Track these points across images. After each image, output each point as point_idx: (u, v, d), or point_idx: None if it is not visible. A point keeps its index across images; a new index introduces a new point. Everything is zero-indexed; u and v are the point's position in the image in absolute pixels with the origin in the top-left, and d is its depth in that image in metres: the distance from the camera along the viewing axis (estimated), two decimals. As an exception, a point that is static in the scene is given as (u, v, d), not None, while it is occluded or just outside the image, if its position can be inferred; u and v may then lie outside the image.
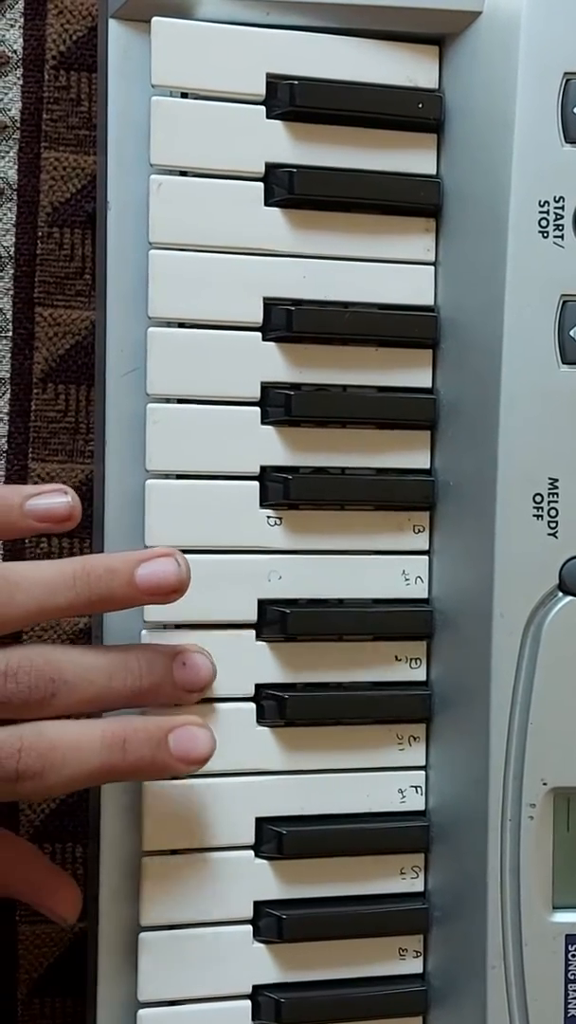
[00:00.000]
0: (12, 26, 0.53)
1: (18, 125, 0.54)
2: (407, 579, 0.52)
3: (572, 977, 0.49)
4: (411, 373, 0.52)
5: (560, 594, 0.49)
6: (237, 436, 0.50)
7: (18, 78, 0.54)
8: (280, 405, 0.50)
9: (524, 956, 0.49)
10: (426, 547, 0.52)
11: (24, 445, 0.54)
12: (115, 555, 0.47)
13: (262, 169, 0.49)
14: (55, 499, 0.46)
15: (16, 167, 0.54)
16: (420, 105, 0.51)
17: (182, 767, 0.47)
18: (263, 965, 0.50)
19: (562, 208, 0.49)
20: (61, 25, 0.54)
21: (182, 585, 0.47)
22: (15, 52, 0.54)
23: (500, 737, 0.49)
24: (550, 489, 0.49)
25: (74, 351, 0.54)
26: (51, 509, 0.46)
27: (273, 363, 0.50)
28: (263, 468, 0.50)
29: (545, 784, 0.49)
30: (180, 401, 0.49)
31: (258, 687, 0.50)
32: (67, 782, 0.45)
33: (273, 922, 0.50)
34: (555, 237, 0.49)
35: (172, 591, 0.47)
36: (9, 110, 0.54)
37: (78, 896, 0.49)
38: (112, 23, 0.49)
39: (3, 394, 0.54)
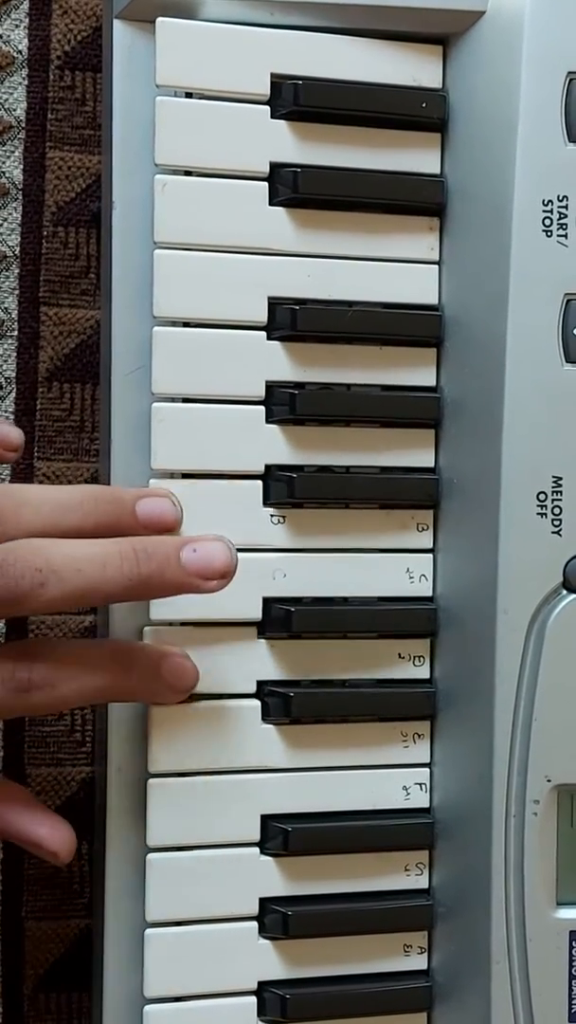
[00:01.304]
0: (17, 26, 0.54)
1: (23, 125, 0.54)
2: (411, 577, 0.52)
3: (576, 973, 0.49)
4: (415, 372, 0.52)
5: (564, 592, 0.49)
6: (242, 435, 0.50)
7: (23, 78, 0.54)
8: (285, 404, 0.50)
9: (528, 952, 0.49)
10: (430, 545, 0.52)
11: (30, 444, 0.54)
12: (117, 487, 0.49)
13: (266, 169, 0.50)
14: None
15: (21, 167, 0.54)
16: (424, 104, 0.51)
17: (171, 695, 0.48)
18: (269, 961, 0.51)
19: (566, 207, 0.49)
20: (66, 25, 0.54)
21: (177, 524, 0.48)
22: (20, 52, 0.54)
23: (504, 734, 0.49)
24: (554, 487, 0.49)
25: (79, 350, 0.55)
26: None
27: (278, 362, 0.50)
28: (268, 467, 0.50)
29: (549, 781, 0.49)
30: (185, 400, 0.49)
31: (263, 685, 0.50)
32: (75, 694, 0.46)
33: (278, 919, 0.50)
34: (559, 236, 0.49)
35: (168, 528, 0.48)
36: (14, 110, 0.54)
37: (70, 833, 0.49)
38: (117, 23, 0.49)
39: (9, 393, 0.54)
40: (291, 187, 0.49)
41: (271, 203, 0.50)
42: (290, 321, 0.50)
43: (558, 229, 0.49)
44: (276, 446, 0.50)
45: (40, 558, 0.44)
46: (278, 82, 0.49)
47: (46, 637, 0.47)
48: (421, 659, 0.52)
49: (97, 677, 0.47)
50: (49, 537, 0.46)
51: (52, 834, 0.48)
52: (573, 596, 0.49)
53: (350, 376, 0.51)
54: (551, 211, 0.49)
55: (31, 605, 0.45)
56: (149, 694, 0.48)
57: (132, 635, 0.50)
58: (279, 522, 0.50)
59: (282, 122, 0.50)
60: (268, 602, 0.50)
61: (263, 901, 0.50)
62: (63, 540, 0.46)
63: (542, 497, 0.49)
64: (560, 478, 0.49)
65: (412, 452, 0.52)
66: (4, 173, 0.54)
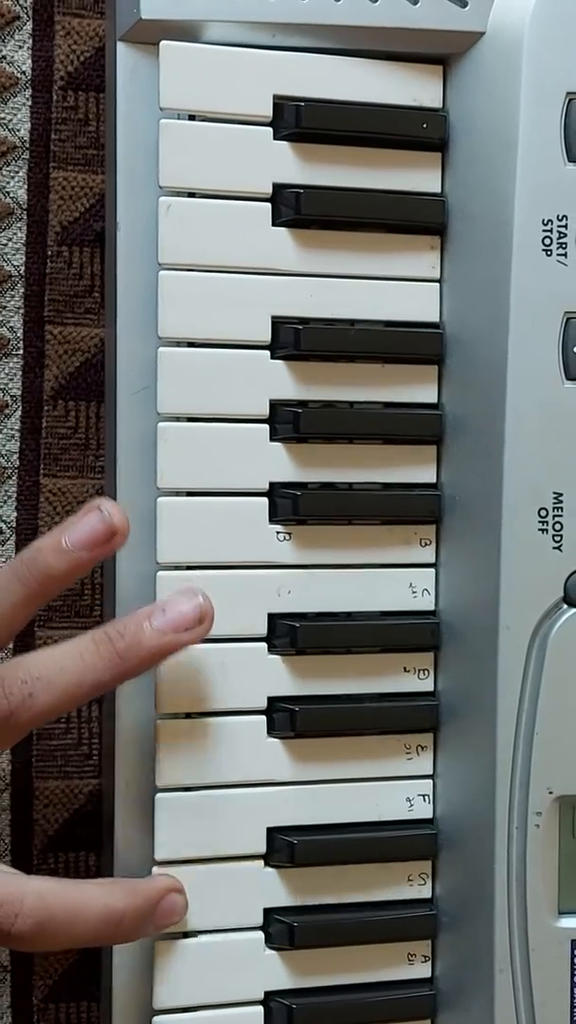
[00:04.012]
0: (20, 47, 0.54)
1: (27, 145, 0.54)
2: (414, 592, 0.52)
3: (578, 982, 0.50)
4: (417, 389, 0.52)
5: (565, 606, 0.50)
6: (246, 453, 0.50)
7: (27, 99, 0.54)
8: (288, 422, 0.50)
9: (531, 961, 0.50)
10: (433, 560, 0.53)
11: (36, 462, 0.55)
12: (129, 622, 0.47)
13: (269, 190, 0.50)
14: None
15: (25, 187, 0.54)
16: (424, 125, 0.51)
17: (159, 931, 0.49)
18: (275, 972, 0.51)
19: (565, 226, 0.49)
20: (68, 46, 0.54)
21: (202, 617, 0.47)
22: (24, 73, 0.54)
23: (506, 747, 0.49)
24: (555, 503, 0.50)
25: (84, 368, 0.55)
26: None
27: (281, 381, 0.51)
28: (272, 484, 0.51)
29: (551, 793, 0.50)
30: (190, 419, 0.50)
31: (269, 700, 0.51)
32: (60, 947, 0.47)
33: (284, 929, 0.51)
34: (558, 255, 0.49)
35: (194, 624, 0.47)
36: (18, 130, 0.54)
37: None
38: (120, 46, 0.50)
39: (15, 411, 0.55)
40: (294, 208, 0.50)
41: (274, 224, 0.50)
42: (293, 340, 0.50)
43: (558, 248, 0.49)
44: (280, 464, 0.51)
45: (20, 670, 0.46)
46: (280, 103, 0.50)
47: (37, 878, 0.46)
48: (425, 672, 0.53)
49: (87, 931, 0.46)
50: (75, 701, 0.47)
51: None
52: (574, 611, 0.50)
53: (353, 394, 0.52)
54: (551, 230, 0.49)
55: (25, 717, 0.46)
56: (137, 936, 0.48)
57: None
58: (285, 539, 0.51)
59: (284, 143, 0.50)
60: (273, 618, 0.51)
61: (269, 912, 0.51)
62: (39, 650, 0.47)
63: (543, 513, 0.50)
64: (561, 494, 0.50)
65: (414, 468, 0.52)
66: (8, 193, 0.54)
